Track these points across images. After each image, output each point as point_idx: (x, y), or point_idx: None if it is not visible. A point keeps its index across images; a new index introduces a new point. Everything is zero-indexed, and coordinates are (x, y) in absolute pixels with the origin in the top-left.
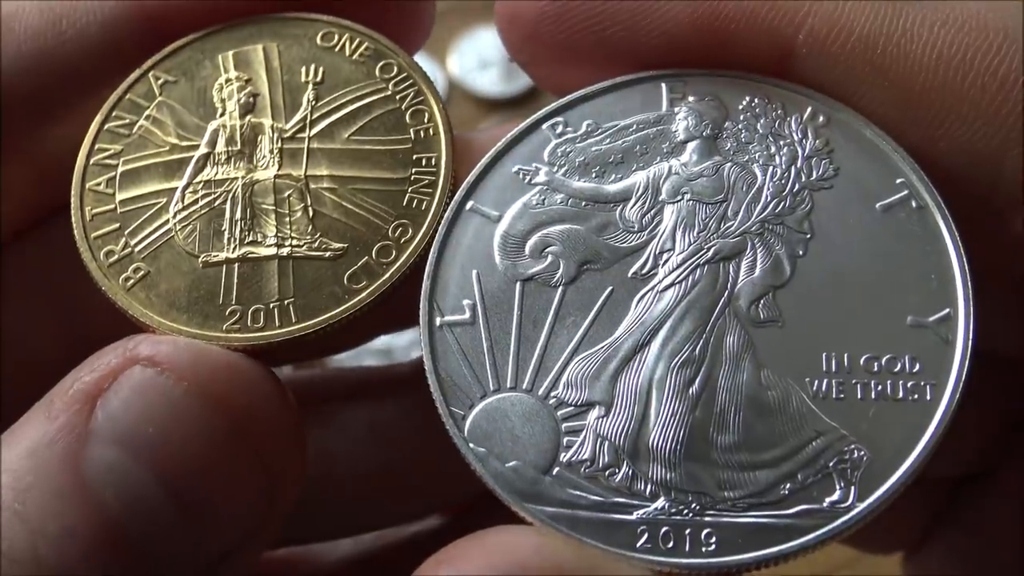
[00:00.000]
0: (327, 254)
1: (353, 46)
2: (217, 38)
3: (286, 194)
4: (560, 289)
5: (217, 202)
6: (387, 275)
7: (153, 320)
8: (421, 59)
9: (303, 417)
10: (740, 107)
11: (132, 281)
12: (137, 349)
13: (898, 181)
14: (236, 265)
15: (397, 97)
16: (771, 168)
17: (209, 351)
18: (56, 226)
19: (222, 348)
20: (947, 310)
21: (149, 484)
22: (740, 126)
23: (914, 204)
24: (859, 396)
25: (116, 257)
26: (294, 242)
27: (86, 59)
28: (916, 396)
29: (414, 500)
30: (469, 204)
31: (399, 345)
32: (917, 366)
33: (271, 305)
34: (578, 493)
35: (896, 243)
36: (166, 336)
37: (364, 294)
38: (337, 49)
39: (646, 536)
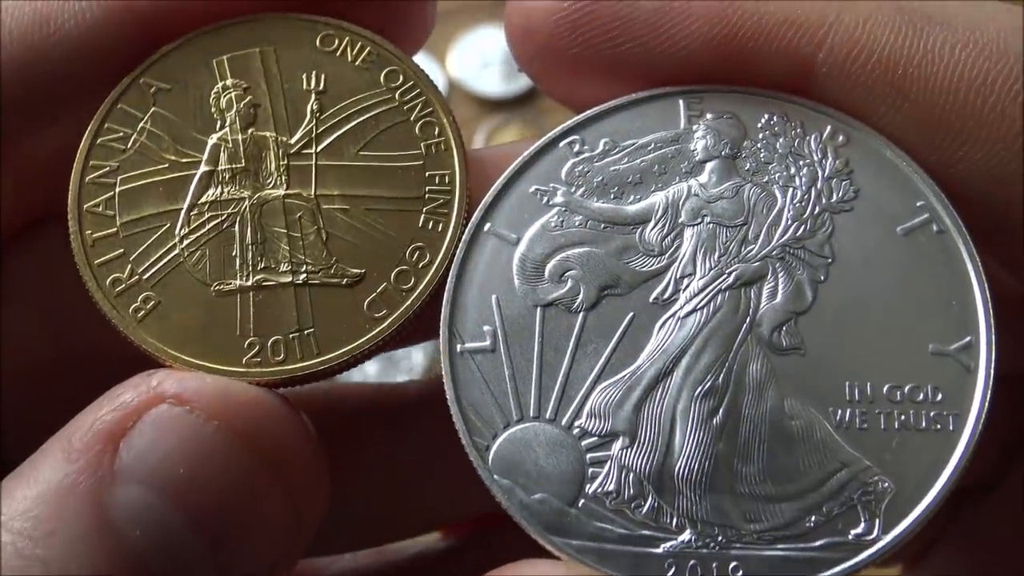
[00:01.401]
0: (344, 280)
1: (355, 51)
2: (209, 40)
3: (297, 216)
4: (581, 315)
5: (225, 225)
6: (408, 303)
7: (169, 355)
8: (421, 59)
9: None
10: (759, 125)
11: (143, 312)
12: (162, 387)
13: (918, 204)
14: (251, 294)
15: (405, 108)
16: (791, 190)
17: (235, 387)
18: (45, 233)
19: (245, 383)
20: (968, 338)
21: (177, 522)
22: (759, 145)
23: (935, 228)
24: (882, 426)
25: (123, 286)
26: (309, 267)
27: (76, 61)
28: (939, 426)
29: (417, 517)
30: (486, 226)
31: (399, 350)
32: (939, 396)
33: (291, 336)
34: (605, 526)
35: (917, 268)
36: (189, 372)
37: (385, 324)
38: (338, 54)
39: (673, 569)
